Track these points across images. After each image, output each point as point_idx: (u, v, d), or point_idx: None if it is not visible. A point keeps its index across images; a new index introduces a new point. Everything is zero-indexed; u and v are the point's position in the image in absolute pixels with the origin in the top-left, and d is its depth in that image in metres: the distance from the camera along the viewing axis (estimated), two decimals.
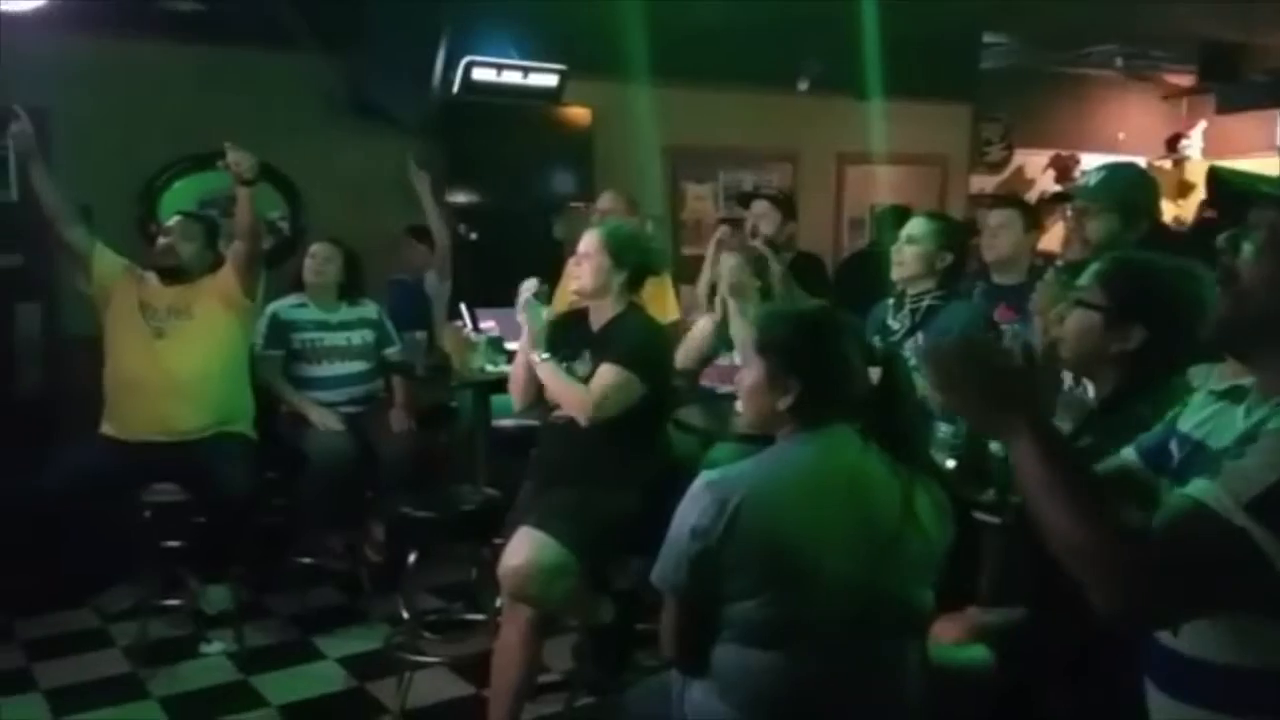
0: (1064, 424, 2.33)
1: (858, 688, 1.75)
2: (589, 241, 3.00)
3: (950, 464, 2.44)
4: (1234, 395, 1.44)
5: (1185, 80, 8.69)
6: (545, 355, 2.94)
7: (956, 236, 3.39)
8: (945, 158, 7.39)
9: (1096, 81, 8.79)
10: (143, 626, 3.65)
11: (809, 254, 4.99)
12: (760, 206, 4.61)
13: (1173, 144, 9.17)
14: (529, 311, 2.98)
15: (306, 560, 4.21)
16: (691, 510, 1.73)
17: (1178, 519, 1.19)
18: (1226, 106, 8.80)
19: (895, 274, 3.31)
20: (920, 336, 3.20)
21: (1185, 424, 1.52)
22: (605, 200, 4.67)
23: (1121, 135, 9.07)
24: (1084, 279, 1.94)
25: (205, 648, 3.72)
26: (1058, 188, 8.91)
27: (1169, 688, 1.38)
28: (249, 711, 3.33)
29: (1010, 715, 1.91)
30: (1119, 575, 1.16)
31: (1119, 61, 8.07)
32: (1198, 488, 1.20)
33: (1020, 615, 2.06)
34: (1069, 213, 3.01)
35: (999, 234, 3.62)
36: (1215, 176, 1.34)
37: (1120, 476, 1.62)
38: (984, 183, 8.29)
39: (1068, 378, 2.53)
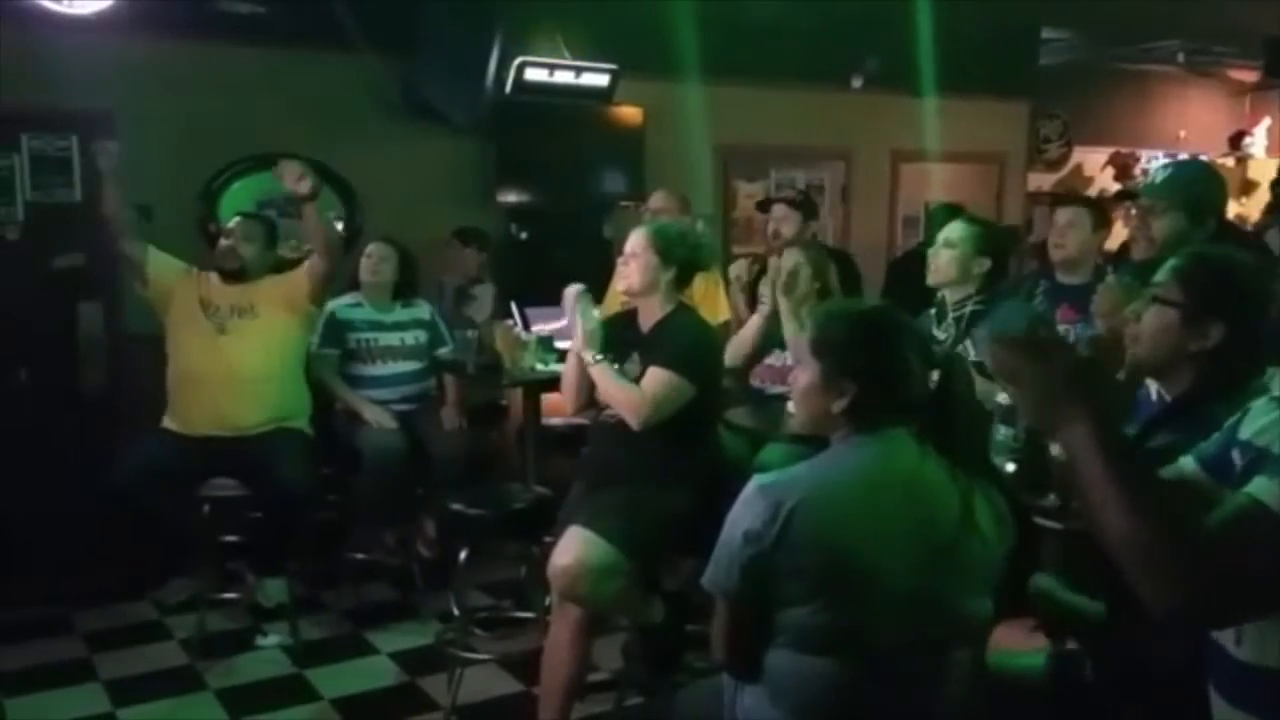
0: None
1: (912, 696, 1.72)
2: (636, 240, 2.99)
3: (1010, 468, 2.40)
4: None
5: (1249, 76, 8.48)
6: (599, 357, 2.92)
7: (995, 241, 3.32)
8: (1003, 155, 7.27)
9: (1157, 78, 8.61)
10: (200, 619, 3.72)
11: (838, 251, 4.95)
12: (780, 210, 4.61)
13: (1236, 141, 8.96)
14: (582, 312, 2.97)
15: (360, 556, 4.26)
16: (744, 514, 1.71)
17: (1236, 517, 1.16)
18: None
19: (931, 279, 3.26)
20: (968, 346, 3.14)
21: (1246, 431, 1.47)
22: (657, 199, 4.67)
23: (1182, 133, 8.88)
24: (1160, 275, 1.88)
25: (261, 641, 3.79)
26: (1117, 185, 8.76)
27: (1232, 696, 1.35)
28: (303, 704, 3.38)
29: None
30: (1175, 572, 1.14)
31: (1180, 57, 7.90)
32: (1258, 486, 1.17)
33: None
34: (1132, 211, 2.93)
35: (1067, 233, 3.57)
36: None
37: (1180, 484, 1.58)
38: (1042, 180, 8.15)
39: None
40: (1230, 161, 8.69)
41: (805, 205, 4.75)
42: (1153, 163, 8.65)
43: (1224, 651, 1.33)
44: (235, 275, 3.81)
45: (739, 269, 4.72)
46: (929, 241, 5.23)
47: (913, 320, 1.89)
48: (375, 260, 4.36)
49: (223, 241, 3.88)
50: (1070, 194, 7.24)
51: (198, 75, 4.77)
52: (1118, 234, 4.07)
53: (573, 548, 2.75)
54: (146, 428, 3.84)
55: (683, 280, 3.02)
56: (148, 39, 4.60)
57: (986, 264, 3.22)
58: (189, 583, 3.94)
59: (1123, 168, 8.85)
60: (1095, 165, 8.71)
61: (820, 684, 1.70)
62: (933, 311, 3.28)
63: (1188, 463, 1.60)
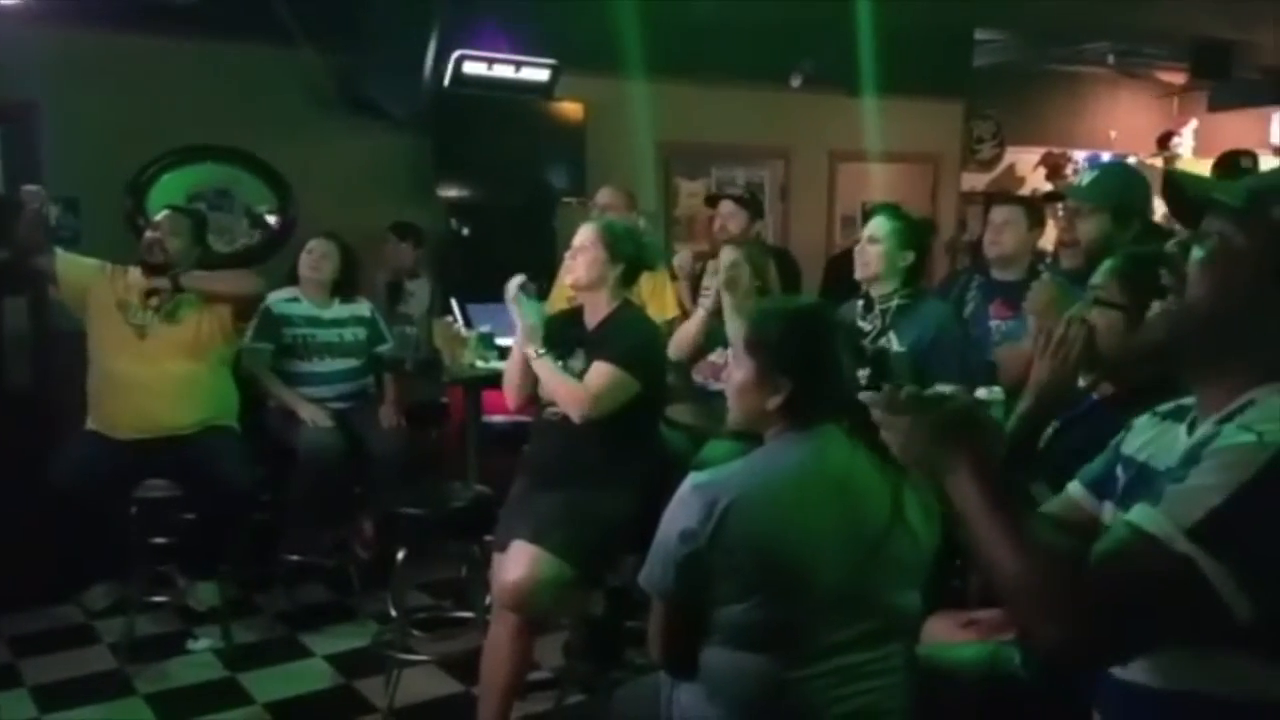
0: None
1: (847, 690, 1.73)
2: (585, 234, 2.97)
3: None
4: (1177, 415, 1.40)
5: (1177, 78, 8.70)
6: (543, 351, 2.89)
7: (918, 235, 3.37)
8: (937, 155, 7.38)
9: (1088, 79, 8.80)
10: (129, 623, 3.64)
11: (778, 249, 4.99)
12: (728, 207, 4.64)
13: (1164, 142, 9.18)
14: (524, 306, 2.93)
15: (295, 557, 4.18)
16: (679, 513, 1.72)
17: (1118, 548, 1.13)
18: (1219, 104, 8.81)
19: (859, 273, 3.29)
20: (892, 336, 3.19)
21: (1129, 446, 1.48)
22: (604, 195, 4.65)
23: (1113, 133, 9.07)
24: (1098, 277, 1.91)
25: (192, 644, 3.71)
26: (1049, 185, 8.93)
27: (1116, 717, 1.34)
28: (236, 709, 3.31)
29: (1002, 716, 1.90)
30: (1061, 610, 1.11)
31: (1111, 59, 8.07)
32: (1139, 514, 1.14)
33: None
34: (1060, 212, 2.99)
35: (1003, 231, 3.65)
36: (1170, 181, 1.27)
37: (1067, 511, 1.56)
38: (975, 180, 8.28)
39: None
40: (1159, 161, 8.91)
41: (753, 203, 4.80)
42: (1084, 164, 8.86)
43: (1107, 674, 1.31)
44: (160, 269, 3.71)
45: (683, 259, 4.72)
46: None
47: (844, 319, 1.90)
48: (316, 256, 4.27)
49: (149, 234, 3.77)
50: (1004, 193, 7.37)
51: (128, 67, 4.67)
52: (1048, 233, 4.17)
53: (521, 564, 2.73)
54: (74, 426, 3.73)
55: (629, 277, 3.01)
56: (77, 29, 4.50)
57: (910, 257, 3.27)
58: (115, 586, 3.85)
59: (1054, 168, 9.02)
60: (1027, 165, 8.87)
61: (755, 680, 1.71)
62: (860, 303, 3.32)
63: (1074, 487, 1.59)
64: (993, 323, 3.57)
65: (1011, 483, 1.34)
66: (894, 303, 3.24)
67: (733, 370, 1.88)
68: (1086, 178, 3.05)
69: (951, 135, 7.50)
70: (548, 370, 2.87)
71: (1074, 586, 1.12)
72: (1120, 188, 2.91)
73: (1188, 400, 1.38)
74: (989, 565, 1.19)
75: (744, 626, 1.70)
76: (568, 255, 3.00)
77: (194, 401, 3.71)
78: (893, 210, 3.47)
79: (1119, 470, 1.48)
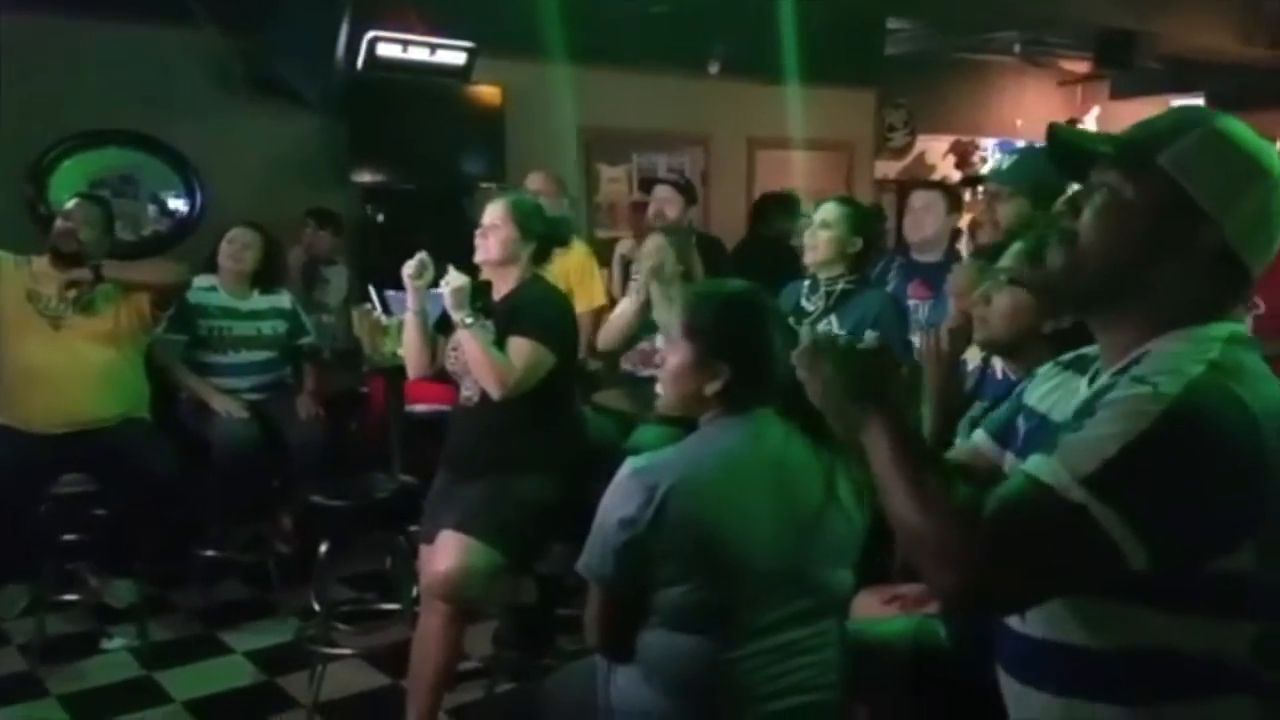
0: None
1: (782, 667, 1.76)
2: (494, 212, 2.90)
3: None
4: (1079, 365, 1.42)
5: (1081, 67, 8.97)
6: (471, 320, 2.76)
7: (867, 222, 3.45)
8: (852, 143, 7.50)
9: (995, 68, 9.02)
10: (39, 623, 3.51)
11: (709, 236, 5.03)
12: (663, 191, 4.65)
13: None
14: (448, 275, 2.81)
15: (211, 553, 4.08)
16: (617, 499, 1.71)
17: (1013, 497, 1.14)
18: (1120, 93, 9.13)
19: (808, 258, 3.36)
20: (834, 319, 3.26)
21: (1031, 397, 1.50)
22: (534, 181, 4.62)
23: (1019, 121, 9.32)
24: (1008, 259, 1.95)
25: (106, 644, 3.60)
26: (958, 173, 9.14)
27: (1019, 672, 1.35)
28: (153, 708, 3.22)
29: (929, 687, 1.94)
30: (957, 560, 1.12)
31: (1017, 48, 8.28)
32: (1034, 464, 1.15)
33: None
34: (979, 196, 3.09)
35: (924, 215, 3.82)
36: (1053, 136, 1.27)
37: (971, 459, 1.58)
38: (888, 168, 8.44)
39: (974, 358, 2.58)
40: None
41: (688, 189, 4.83)
42: (993, 151, 9.09)
43: (1008, 628, 1.34)
44: (72, 259, 3.57)
45: (625, 248, 4.72)
46: (762, 230, 5.45)
47: (776, 303, 1.92)
48: (238, 246, 4.13)
49: (60, 223, 3.62)
50: (918, 180, 7.53)
51: (27, 48, 4.47)
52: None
53: (450, 553, 2.70)
54: None
55: (541, 255, 2.96)
56: None
57: (859, 243, 3.35)
58: (24, 588, 3.70)
59: (963, 155, 9.24)
60: (938, 153, 9.07)
61: (693, 662, 1.72)
62: (806, 284, 3.37)
63: (979, 435, 1.61)
64: (911, 302, 3.67)
65: (916, 434, 1.34)
66: (839, 287, 3.31)
67: (667, 355, 1.88)
68: (1006, 162, 3.16)
69: (865, 123, 7.62)
70: (474, 341, 2.73)
71: (969, 535, 1.12)
72: (1038, 171, 3.00)
73: (1090, 350, 1.39)
74: (893, 518, 1.20)
75: (682, 609, 1.71)
76: (478, 234, 2.94)
77: (114, 392, 3.60)
78: (843, 198, 3.55)
79: (1020, 420, 1.50)
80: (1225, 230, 1.22)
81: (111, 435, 3.55)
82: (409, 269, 2.91)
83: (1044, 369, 1.53)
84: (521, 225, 2.88)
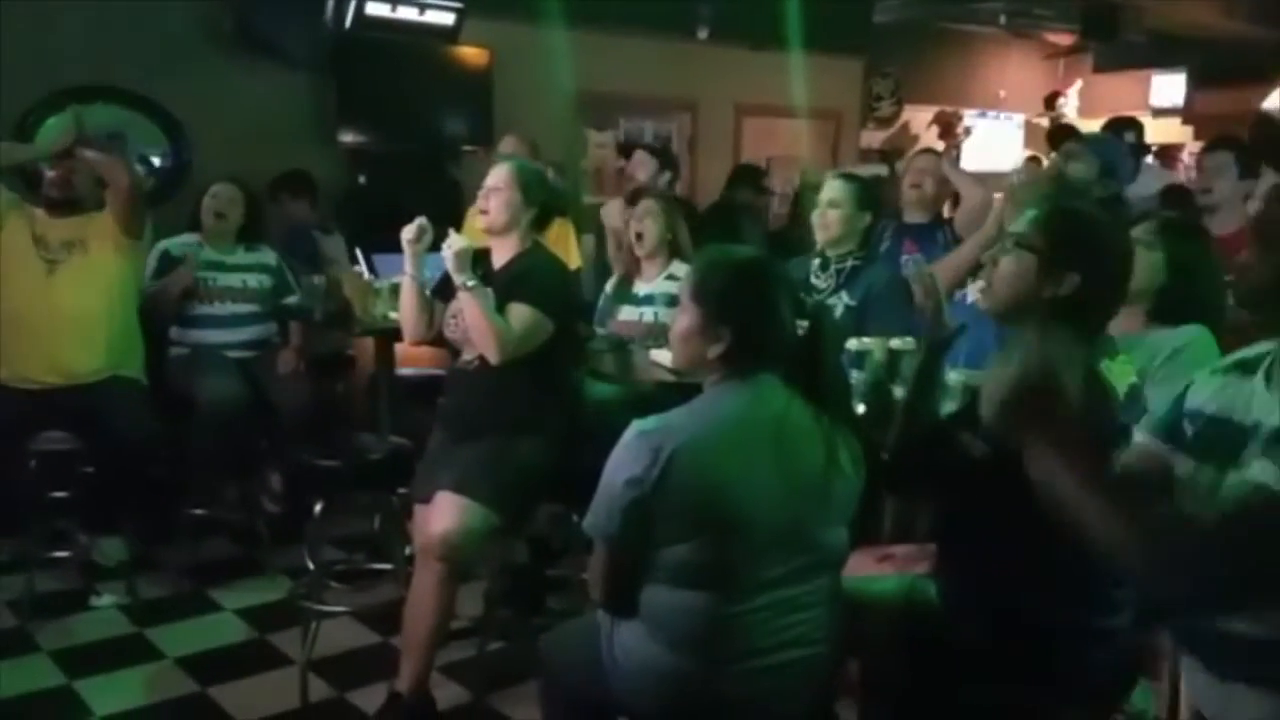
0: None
1: (781, 622, 1.81)
2: (499, 175, 2.90)
3: (860, 409, 2.53)
4: (1243, 368, 1.44)
5: (1064, 39, 8.99)
6: (473, 283, 2.75)
7: (874, 196, 3.50)
8: (839, 111, 7.50)
9: (980, 39, 9.03)
10: (28, 580, 3.51)
11: (676, 198, 5.04)
12: (638, 155, 4.71)
13: (1050, 102, 9.49)
14: (448, 239, 2.79)
15: (199, 511, 4.08)
16: (624, 459, 1.75)
17: (1248, 507, 1.17)
18: (1103, 66, 9.16)
19: (820, 237, 3.40)
20: (844, 295, 3.31)
21: (1194, 401, 1.53)
22: (507, 144, 4.61)
23: (1002, 93, 9.35)
24: (1020, 225, 1.98)
25: (95, 601, 3.61)
26: (940, 144, 9.15)
27: (1234, 671, 1.37)
28: (146, 664, 3.25)
29: (920, 644, 2.00)
30: (1188, 566, 1.15)
31: (1002, 19, 8.29)
32: (1259, 470, 1.17)
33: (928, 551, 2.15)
34: (1052, 154, 3.28)
35: (923, 178, 4.02)
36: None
37: (1143, 461, 1.61)
38: (873, 138, 8.44)
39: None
40: (1045, 121, 9.23)
41: (664, 154, 4.88)
42: (974, 122, 9.10)
43: (1223, 631, 1.35)
44: (67, 206, 3.55)
45: (610, 211, 4.72)
46: (730, 196, 5.52)
47: (785, 271, 1.95)
48: (223, 201, 4.12)
49: (51, 173, 3.60)
50: (902, 150, 7.56)
51: (13, 4, 4.40)
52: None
53: (447, 515, 2.72)
54: None
55: (541, 222, 2.97)
56: None
57: (868, 218, 3.40)
58: (11, 543, 3.70)
59: (946, 126, 9.23)
60: (921, 124, 9.06)
61: (697, 617, 1.78)
62: (816, 260, 3.41)
63: (1146, 438, 1.63)
64: (903, 258, 3.77)
65: (1092, 448, 1.36)
66: (849, 263, 3.36)
67: (678, 316, 1.91)
68: (1091, 134, 3.32)
69: (852, 92, 7.62)
70: (475, 304, 2.73)
71: (1203, 543, 1.15)
72: (1115, 152, 3.32)
73: (1249, 353, 1.41)
74: (1096, 533, 1.21)
75: (685, 566, 1.76)
76: (480, 196, 2.94)
77: (101, 345, 3.60)
78: (847, 174, 3.61)
79: (1185, 424, 1.52)
80: None
81: (92, 393, 3.54)
82: (409, 233, 2.91)
83: (1202, 375, 1.55)
84: (524, 190, 2.89)
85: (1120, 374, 1.90)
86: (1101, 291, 1.91)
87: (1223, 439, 1.36)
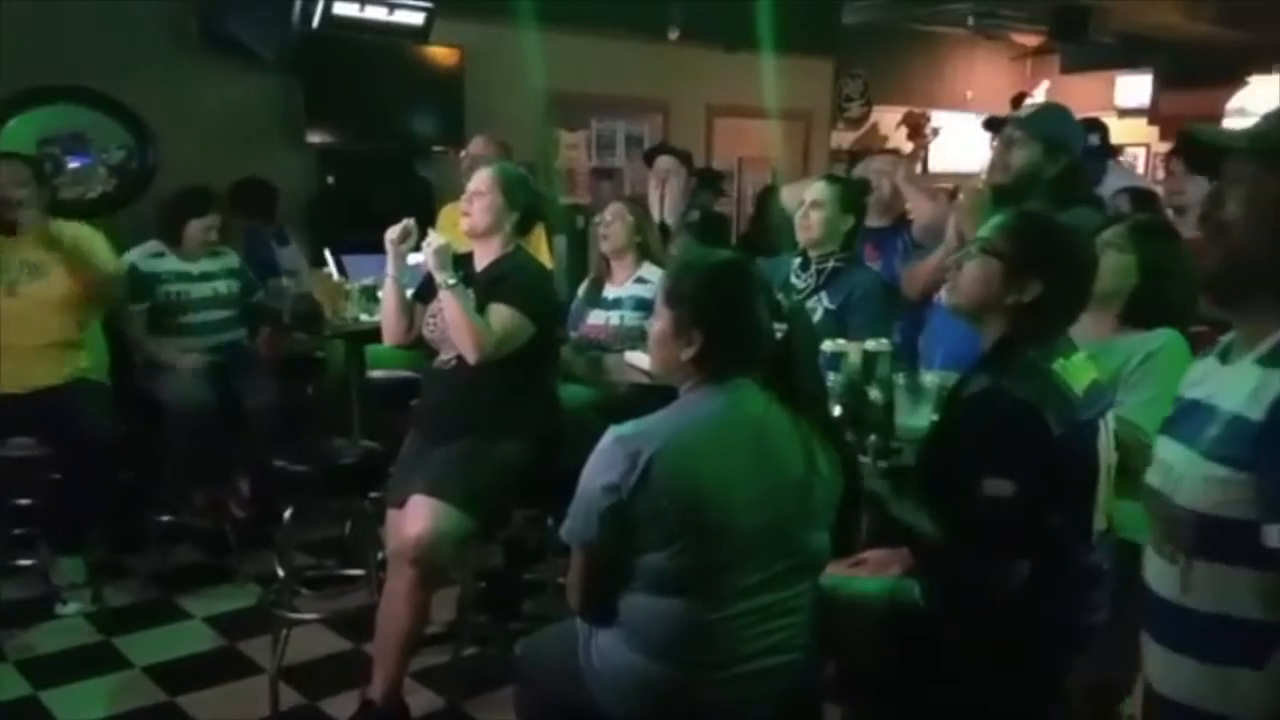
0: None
1: (762, 628, 1.80)
2: (482, 179, 2.89)
3: (837, 410, 2.52)
4: (1221, 355, 1.44)
5: (1031, 40, 9.07)
6: (454, 281, 2.73)
7: (857, 198, 3.51)
8: (809, 112, 7.52)
9: (948, 40, 9.09)
10: None
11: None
12: (666, 161, 4.72)
13: (1017, 102, 9.50)
14: (428, 237, 2.79)
15: (167, 518, 4.02)
16: (601, 465, 1.74)
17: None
18: (1071, 67, 9.24)
19: (802, 238, 3.40)
20: (824, 296, 3.32)
21: (1184, 388, 1.51)
22: (476, 145, 4.58)
23: (970, 93, 9.40)
24: (987, 230, 2.00)
25: (61, 609, 3.54)
26: (910, 145, 9.19)
27: (1172, 640, 1.38)
28: (113, 673, 3.20)
29: (903, 643, 2.00)
30: None
31: (970, 20, 8.35)
32: (1164, 449, 1.24)
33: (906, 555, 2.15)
34: (994, 142, 3.18)
35: (880, 179, 3.96)
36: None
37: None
38: (843, 138, 8.47)
39: None
40: None
41: (689, 158, 4.93)
42: (942, 122, 9.14)
43: (1167, 602, 1.37)
44: (12, 226, 3.49)
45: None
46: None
47: (762, 274, 1.94)
48: (212, 230, 4.09)
49: None
50: (871, 150, 7.58)
51: None
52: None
53: (421, 517, 2.69)
54: None
55: (524, 226, 2.96)
56: None
57: (851, 221, 3.40)
58: None
59: (915, 127, 9.28)
60: (890, 124, 9.11)
61: (676, 624, 1.76)
62: (797, 261, 3.41)
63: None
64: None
65: None
66: (830, 264, 3.36)
67: (654, 320, 1.90)
68: (1025, 112, 3.25)
69: (822, 93, 7.65)
70: (455, 302, 2.71)
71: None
72: (1056, 123, 3.12)
73: (1225, 339, 1.43)
74: None
75: (665, 572, 1.74)
76: (464, 200, 2.93)
77: (63, 358, 3.56)
78: (832, 176, 3.61)
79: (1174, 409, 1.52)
80: None
81: (57, 396, 3.49)
82: (393, 234, 2.89)
83: (1194, 363, 1.55)
84: (508, 194, 2.87)
85: (1078, 371, 1.94)
86: (1064, 298, 1.96)
87: (1195, 418, 1.37)
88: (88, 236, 3.66)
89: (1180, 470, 1.35)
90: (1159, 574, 1.38)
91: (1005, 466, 1.80)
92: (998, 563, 1.83)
